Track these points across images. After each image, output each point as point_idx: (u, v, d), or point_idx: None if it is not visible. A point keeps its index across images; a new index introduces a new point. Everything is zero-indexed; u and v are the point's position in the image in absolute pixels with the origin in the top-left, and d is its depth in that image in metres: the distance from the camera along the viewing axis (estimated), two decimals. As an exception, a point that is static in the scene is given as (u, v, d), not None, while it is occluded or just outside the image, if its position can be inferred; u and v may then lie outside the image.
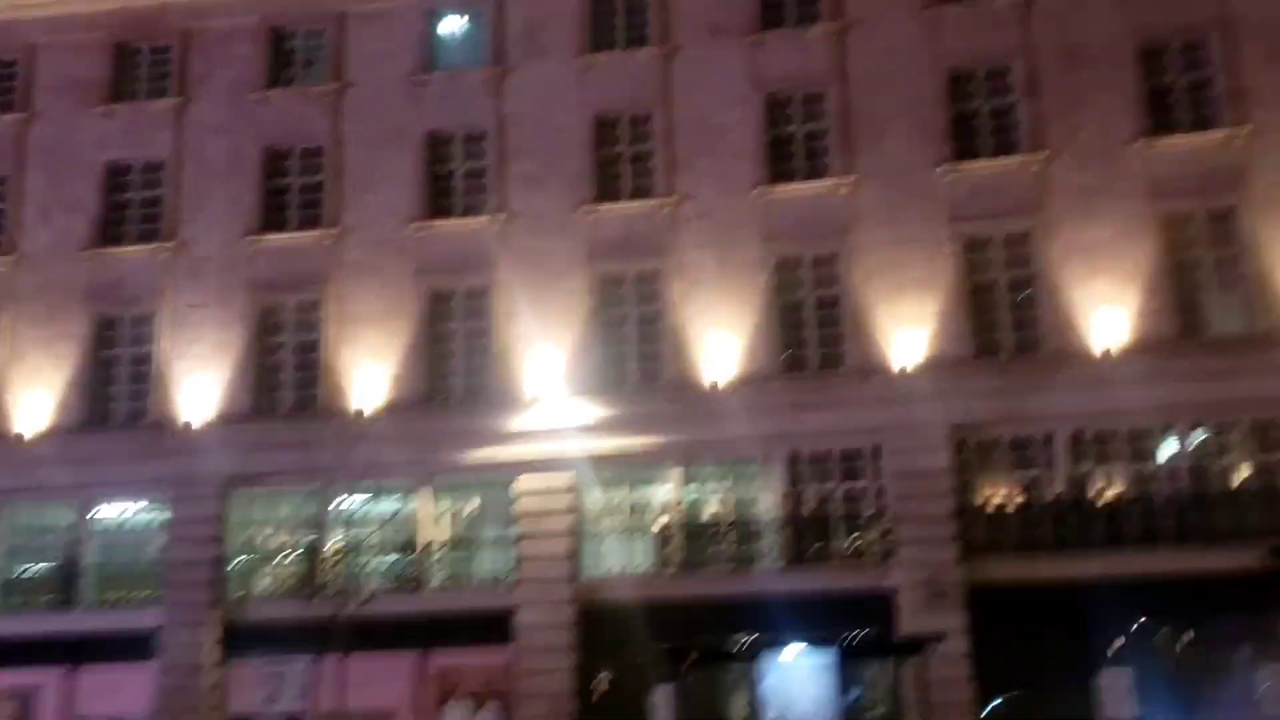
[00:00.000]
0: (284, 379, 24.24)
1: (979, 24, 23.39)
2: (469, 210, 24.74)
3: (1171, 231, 21.89)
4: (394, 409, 23.56)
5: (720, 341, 22.94)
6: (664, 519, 22.72)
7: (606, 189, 24.22)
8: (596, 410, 22.85)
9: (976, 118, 23.23)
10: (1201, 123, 22.19)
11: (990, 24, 23.33)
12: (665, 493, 22.81)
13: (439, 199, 24.93)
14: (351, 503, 23.70)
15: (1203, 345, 21.33)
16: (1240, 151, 21.73)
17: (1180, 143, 22.11)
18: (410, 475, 23.32)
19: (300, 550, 23.47)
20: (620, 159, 24.38)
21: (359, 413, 23.56)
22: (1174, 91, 22.48)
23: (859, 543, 21.89)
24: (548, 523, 22.57)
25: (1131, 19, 22.66)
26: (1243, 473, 20.95)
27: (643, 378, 23.35)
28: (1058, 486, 21.35)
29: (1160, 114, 22.38)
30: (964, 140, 23.12)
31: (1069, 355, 21.66)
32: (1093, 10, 22.87)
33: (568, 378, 23.20)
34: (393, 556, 23.23)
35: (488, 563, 23.15)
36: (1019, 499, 21.59)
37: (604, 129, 24.48)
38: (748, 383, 22.65)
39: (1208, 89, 22.29)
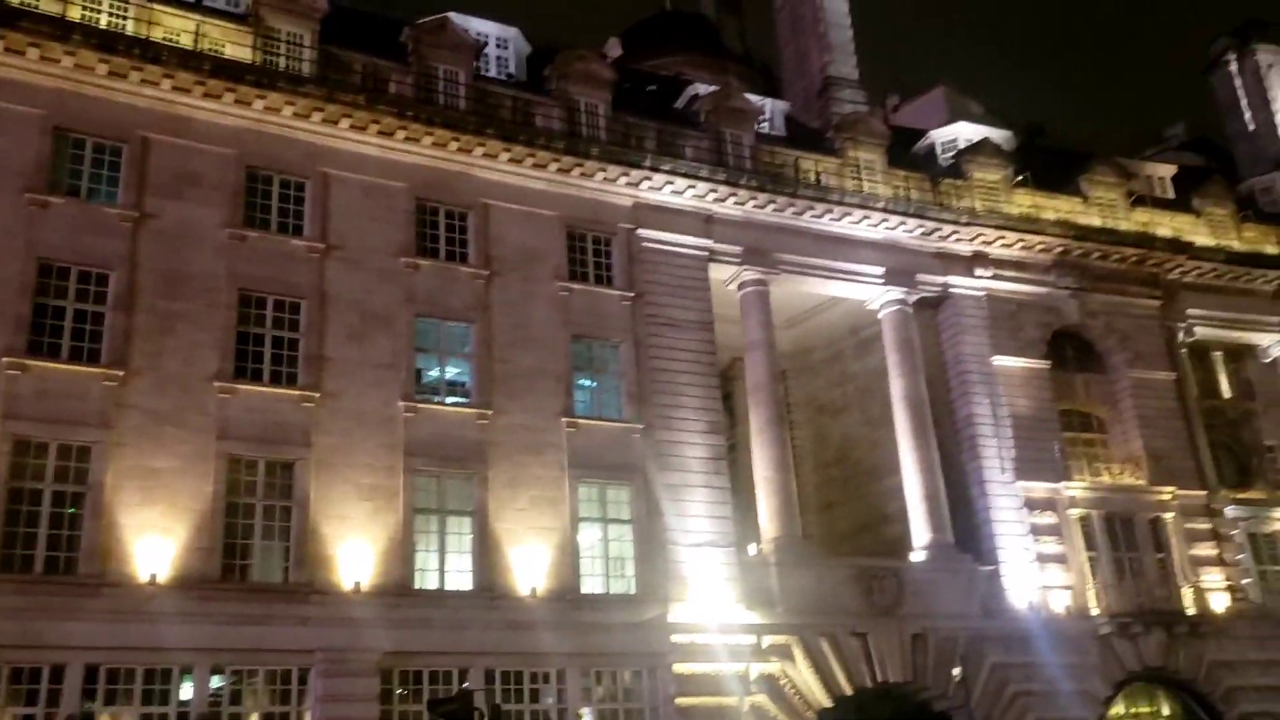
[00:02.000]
0: None
1: (85, 223, 22.38)
2: None
3: (234, 474, 22.17)
4: None
5: None
6: None
7: None
8: None
9: (62, 316, 21.71)
10: (281, 378, 23.28)
11: (96, 227, 22.45)
12: None
13: None
14: None
15: (241, 590, 21.47)
16: (310, 412, 23.11)
17: (258, 391, 22.87)
18: None
19: None
20: None
21: None
22: (264, 343, 23.38)
23: None
24: None
25: (235, 266, 23.46)
26: (255, 722, 20.97)
27: None
28: (60, 727, 19.22)
29: (246, 360, 23.05)
30: (39, 337, 21.35)
31: (106, 583, 20.27)
32: (201, 245, 23.29)
33: None
34: None
35: None
36: (12, 739, 18.96)
37: None
38: None
39: (294, 349, 23.60)
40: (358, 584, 22.30)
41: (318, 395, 23.28)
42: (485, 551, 23.75)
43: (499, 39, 30.01)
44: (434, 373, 25.29)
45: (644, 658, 24.27)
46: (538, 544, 24.23)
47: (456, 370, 25.50)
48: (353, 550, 22.52)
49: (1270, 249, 36.58)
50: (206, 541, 21.36)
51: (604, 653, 23.91)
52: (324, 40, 26.10)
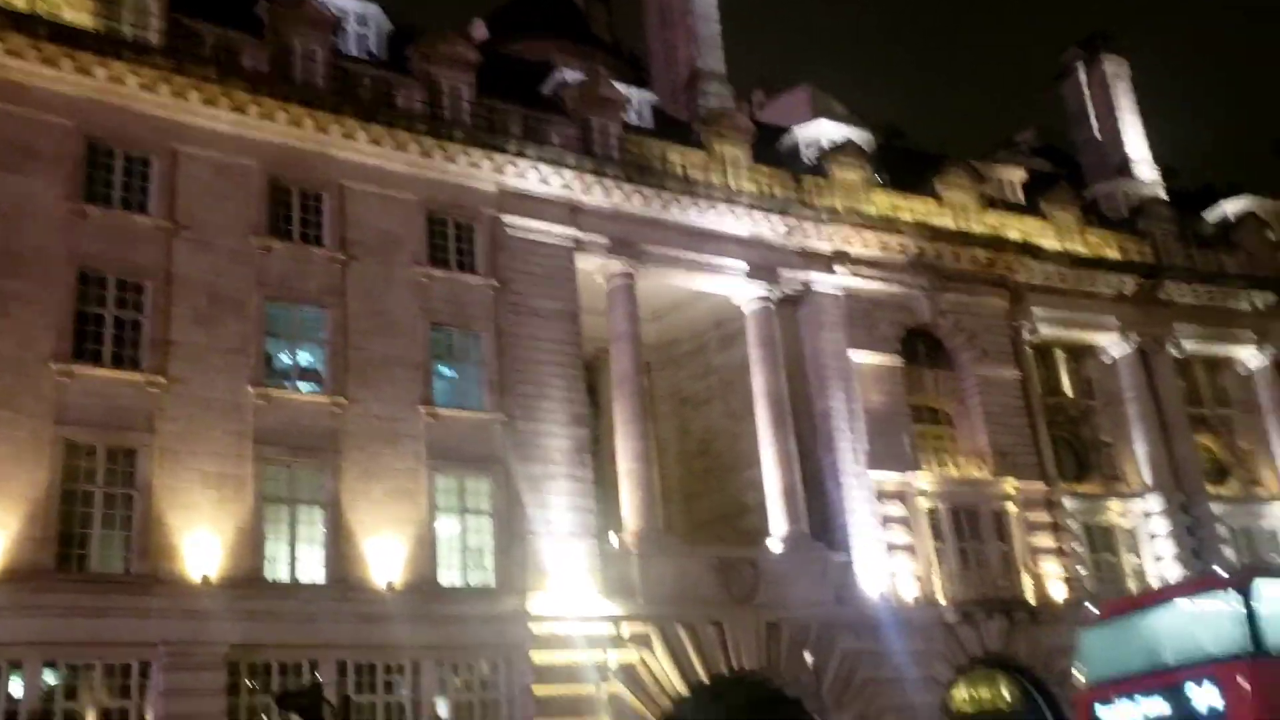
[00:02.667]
0: None
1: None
2: None
3: (71, 460, 21.14)
4: None
5: None
6: None
7: None
8: None
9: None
10: (124, 361, 22.27)
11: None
12: None
13: None
14: None
15: (78, 581, 20.52)
16: (154, 397, 22.20)
17: (98, 375, 21.86)
18: None
19: None
20: None
21: None
22: (105, 324, 22.33)
23: None
24: None
25: (74, 244, 22.36)
26: (90, 718, 20.01)
27: None
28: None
29: (85, 341, 22.00)
30: None
31: (-75, 576, 19.13)
32: (37, 221, 22.12)
33: None
34: None
35: None
36: None
37: None
38: None
39: (138, 332, 22.60)
40: (204, 575, 21.54)
41: (162, 380, 22.37)
42: (338, 543, 23.19)
43: (359, 15, 29.30)
44: (286, 359, 24.54)
45: (502, 648, 24.08)
46: (393, 536, 23.76)
47: (310, 357, 24.79)
48: (199, 540, 21.74)
49: (1112, 254, 38.29)
50: (41, 531, 20.33)
51: (461, 644, 23.63)
52: (173, 9, 25.02)
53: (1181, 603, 15.20)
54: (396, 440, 24.55)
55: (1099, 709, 15.12)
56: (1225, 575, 15.24)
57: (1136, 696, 14.41)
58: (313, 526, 23.29)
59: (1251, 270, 40.00)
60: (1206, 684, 13.41)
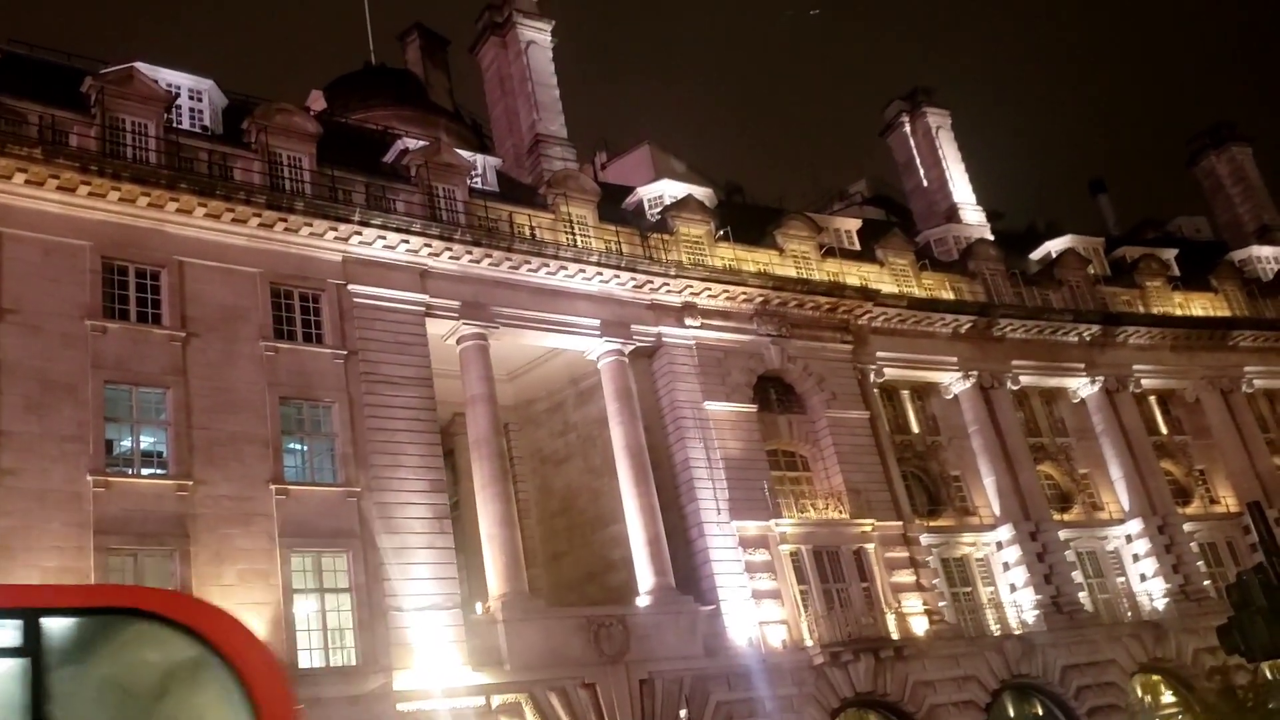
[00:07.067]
0: None
1: None
2: None
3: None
4: None
5: None
6: None
7: None
8: None
9: None
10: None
11: None
12: None
13: None
14: None
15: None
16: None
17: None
18: None
19: None
20: None
21: None
22: (-77, 418, 21.13)
23: None
24: None
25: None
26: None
27: None
28: None
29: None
30: None
31: None
32: None
33: None
34: None
35: None
36: None
37: None
38: None
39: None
40: (43, 679, 20.30)
41: (-8, 474, 21.24)
42: (190, 631, 22.17)
43: (193, 90, 28.71)
44: (127, 443, 23.59)
45: (368, 730, 23.34)
46: (248, 620, 22.80)
47: (152, 439, 23.88)
48: (37, 642, 20.49)
49: (946, 294, 39.93)
50: None
51: (325, 728, 22.80)
52: (-5, 89, 24.17)
53: None
54: (248, 521, 23.75)
55: None
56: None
57: None
58: (162, 617, 22.21)
59: (1076, 304, 42.25)
60: None
